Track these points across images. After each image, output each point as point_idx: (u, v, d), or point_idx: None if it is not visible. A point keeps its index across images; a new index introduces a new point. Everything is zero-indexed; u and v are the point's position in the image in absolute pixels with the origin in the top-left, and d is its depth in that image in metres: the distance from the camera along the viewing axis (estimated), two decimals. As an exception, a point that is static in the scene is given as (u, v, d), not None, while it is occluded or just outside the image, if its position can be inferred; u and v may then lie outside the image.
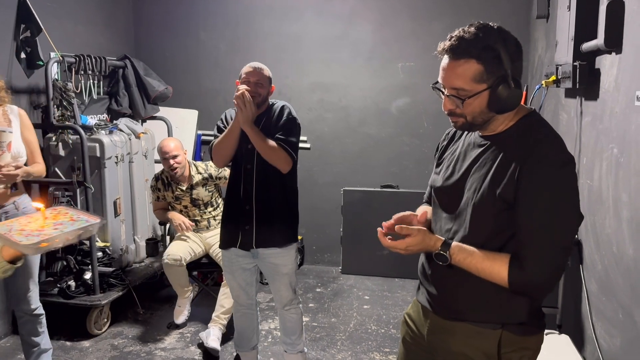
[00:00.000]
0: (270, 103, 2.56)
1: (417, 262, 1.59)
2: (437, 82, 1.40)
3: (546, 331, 2.53)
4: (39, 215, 1.41)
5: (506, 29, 1.35)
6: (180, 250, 3.35)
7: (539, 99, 3.42)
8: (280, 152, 2.39)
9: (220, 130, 2.53)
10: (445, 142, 1.64)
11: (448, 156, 1.57)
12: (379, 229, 1.46)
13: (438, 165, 1.60)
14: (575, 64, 2.41)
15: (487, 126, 1.41)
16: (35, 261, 2.62)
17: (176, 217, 3.46)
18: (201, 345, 3.16)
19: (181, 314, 3.49)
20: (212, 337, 3.10)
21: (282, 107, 2.52)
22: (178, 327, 3.46)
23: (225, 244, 2.59)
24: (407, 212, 1.58)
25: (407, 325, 1.65)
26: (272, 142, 2.38)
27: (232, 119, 2.48)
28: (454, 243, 1.38)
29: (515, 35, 1.35)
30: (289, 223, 2.57)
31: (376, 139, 4.51)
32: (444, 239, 1.40)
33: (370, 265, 4.39)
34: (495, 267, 1.32)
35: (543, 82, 2.90)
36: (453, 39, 1.33)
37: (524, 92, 3.92)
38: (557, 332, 2.60)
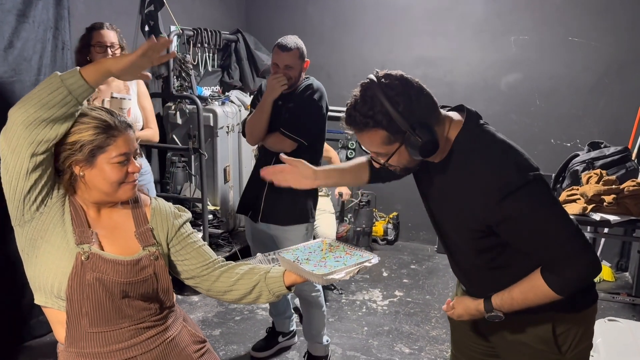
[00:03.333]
0: (304, 79, 2.48)
1: None
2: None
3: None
4: (316, 246, 1.53)
5: (388, 77, 1.28)
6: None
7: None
8: (277, 137, 2.40)
9: (253, 105, 2.53)
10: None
11: (420, 182, 1.54)
12: (444, 307, 1.53)
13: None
14: None
15: (431, 157, 1.35)
16: None
17: None
18: (297, 310, 3.30)
19: None
20: None
21: (310, 90, 2.43)
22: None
23: (240, 208, 2.65)
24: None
25: None
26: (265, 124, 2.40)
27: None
28: (492, 296, 1.39)
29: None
30: (298, 201, 2.46)
31: (482, 116, 4.34)
32: (482, 299, 1.41)
33: (467, 246, 4.30)
34: (538, 292, 1.32)
35: None
36: (347, 113, 1.31)
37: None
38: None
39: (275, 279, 1.41)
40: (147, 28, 3.57)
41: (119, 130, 1.29)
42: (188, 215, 1.50)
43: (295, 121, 2.40)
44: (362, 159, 1.70)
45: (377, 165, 1.43)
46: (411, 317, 3.34)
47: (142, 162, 2.86)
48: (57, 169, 1.27)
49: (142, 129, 2.83)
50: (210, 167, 3.67)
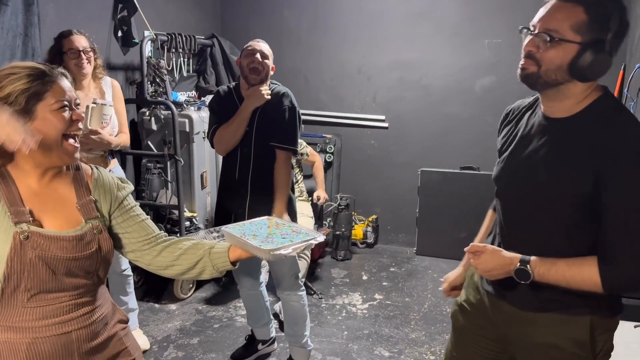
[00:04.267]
0: (269, 85, 2.49)
1: None
2: (528, 26, 1.30)
3: (636, 324, 2.42)
4: (262, 223, 1.51)
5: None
6: None
7: (638, 79, 3.19)
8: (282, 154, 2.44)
9: (214, 112, 2.50)
10: (504, 125, 1.53)
11: (507, 142, 1.46)
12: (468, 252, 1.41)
13: (501, 153, 1.48)
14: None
15: (554, 98, 1.29)
16: None
17: None
18: (276, 316, 3.28)
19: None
20: None
21: (282, 96, 2.45)
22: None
23: (218, 224, 2.52)
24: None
25: (467, 314, 1.58)
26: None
27: (228, 99, 2.46)
28: (532, 257, 1.30)
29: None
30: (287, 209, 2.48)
31: (457, 119, 4.40)
32: (520, 255, 1.32)
33: (446, 248, 4.34)
34: (585, 273, 1.24)
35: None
36: None
37: (621, 72, 3.66)
38: (648, 326, 2.46)
39: (219, 254, 1.38)
40: (120, 33, 3.53)
41: (54, 76, 1.25)
42: (131, 187, 1.46)
43: (287, 132, 2.43)
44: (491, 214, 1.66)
45: (525, 50, 1.28)
46: (391, 320, 3.35)
47: (116, 167, 2.84)
48: None
49: (117, 134, 2.79)
50: (187, 173, 3.63)
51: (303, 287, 2.66)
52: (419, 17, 4.36)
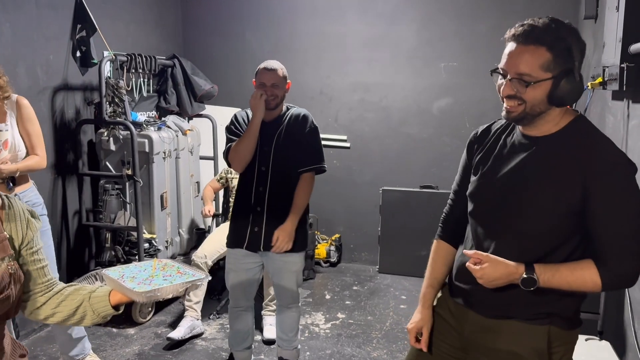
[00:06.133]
0: (286, 108, 2.57)
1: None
2: (497, 67, 1.38)
3: (587, 337, 2.50)
4: (147, 265, 1.49)
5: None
6: (205, 249, 3.42)
7: (584, 101, 3.35)
8: (311, 177, 2.53)
9: (232, 133, 2.53)
10: (476, 145, 1.59)
11: (483, 160, 1.52)
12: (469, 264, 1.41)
13: (476, 171, 1.53)
14: (622, 65, 2.36)
15: (535, 124, 1.38)
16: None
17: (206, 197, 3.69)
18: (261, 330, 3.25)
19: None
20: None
21: (304, 118, 2.53)
22: (219, 317, 3.56)
23: (232, 243, 2.58)
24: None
25: (435, 319, 1.62)
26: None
27: (246, 121, 2.51)
28: (535, 264, 1.35)
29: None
30: (299, 229, 2.52)
31: (417, 139, 4.51)
32: (523, 263, 1.35)
33: (407, 265, 4.40)
34: (586, 276, 1.32)
35: (589, 84, 2.85)
36: (525, 26, 1.32)
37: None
38: (598, 338, 2.55)
39: (100, 299, 1.33)
40: (78, 54, 3.50)
41: None
42: (40, 224, 1.38)
43: (317, 151, 2.54)
44: (447, 249, 1.65)
45: (504, 94, 1.36)
46: (353, 339, 3.35)
47: (27, 192, 2.51)
48: None
49: (26, 155, 2.54)
50: (146, 194, 3.59)
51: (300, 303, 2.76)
52: (378, 41, 4.48)
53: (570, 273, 1.33)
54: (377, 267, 4.61)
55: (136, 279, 1.37)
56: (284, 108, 2.57)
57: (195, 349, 3.17)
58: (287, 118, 2.53)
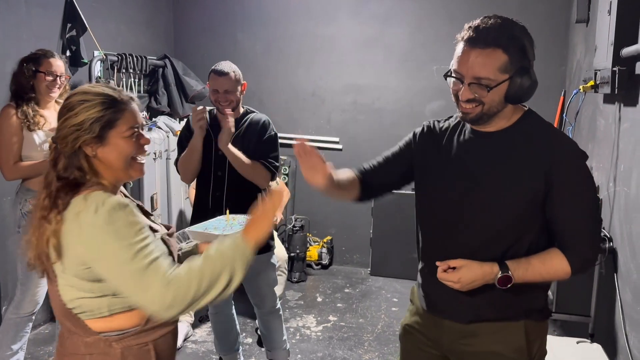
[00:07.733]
0: (245, 111, 2.50)
1: None
2: (450, 70, 1.37)
3: (578, 340, 2.50)
4: (221, 219, 1.71)
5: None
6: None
7: (576, 104, 3.37)
8: (262, 170, 2.39)
9: (181, 145, 2.49)
10: (419, 145, 1.58)
11: (435, 159, 1.50)
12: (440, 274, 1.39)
13: (428, 170, 1.52)
14: (614, 69, 2.36)
15: (491, 121, 1.39)
16: None
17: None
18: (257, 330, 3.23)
19: None
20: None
21: (264, 124, 2.46)
22: (209, 320, 3.53)
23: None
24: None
25: (411, 335, 1.60)
26: (249, 161, 2.35)
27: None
28: (508, 261, 1.35)
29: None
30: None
31: (409, 142, 4.49)
32: (494, 262, 1.35)
33: (399, 268, 4.39)
34: (556, 264, 1.36)
35: (581, 87, 2.86)
36: (479, 28, 1.31)
37: (561, 97, 3.85)
38: (589, 341, 2.56)
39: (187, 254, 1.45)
40: (68, 53, 3.46)
41: (125, 103, 1.28)
42: None
43: (270, 151, 2.44)
44: (351, 174, 1.62)
45: (463, 98, 1.34)
46: (344, 342, 3.34)
47: None
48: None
49: None
50: (136, 195, 3.55)
51: (279, 304, 2.70)
52: (371, 43, 4.47)
53: (541, 265, 1.36)
54: (369, 269, 4.60)
55: (218, 228, 1.58)
56: (243, 111, 2.50)
57: (186, 352, 3.14)
58: (246, 122, 2.46)
